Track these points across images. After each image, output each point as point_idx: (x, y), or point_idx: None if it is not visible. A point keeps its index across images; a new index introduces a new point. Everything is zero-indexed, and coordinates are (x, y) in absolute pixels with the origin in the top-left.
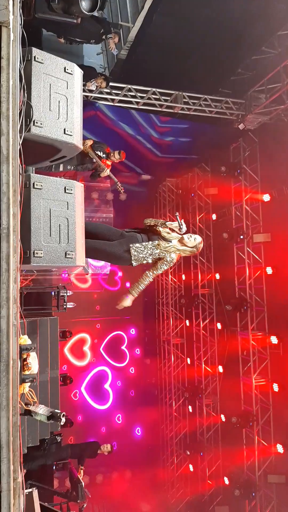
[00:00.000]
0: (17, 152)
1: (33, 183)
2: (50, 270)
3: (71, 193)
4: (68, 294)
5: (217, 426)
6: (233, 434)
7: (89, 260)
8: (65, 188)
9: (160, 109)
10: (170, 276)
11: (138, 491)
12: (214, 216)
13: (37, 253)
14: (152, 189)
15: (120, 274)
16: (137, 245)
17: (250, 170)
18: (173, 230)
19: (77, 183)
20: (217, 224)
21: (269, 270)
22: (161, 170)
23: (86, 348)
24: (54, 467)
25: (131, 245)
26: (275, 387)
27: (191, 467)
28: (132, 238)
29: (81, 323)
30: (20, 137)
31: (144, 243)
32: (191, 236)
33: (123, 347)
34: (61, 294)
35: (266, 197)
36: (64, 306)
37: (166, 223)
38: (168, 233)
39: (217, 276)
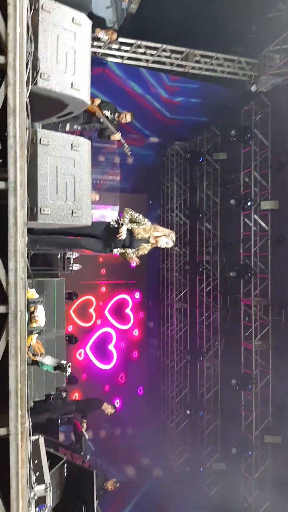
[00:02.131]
0: (24, 104)
1: (40, 139)
2: None
3: (78, 151)
4: (74, 256)
5: (217, 388)
6: (232, 396)
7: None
8: (72, 145)
9: (170, 68)
10: (175, 242)
11: (139, 446)
12: (222, 182)
13: (43, 210)
14: (160, 152)
15: None
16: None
17: (261, 134)
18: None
19: (84, 140)
20: (225, 191)
21: (275, 238)
22: (170, 132)
23: (91, 310)
24: (59, 421)
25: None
26: (275, 352)
27: (190, 426)
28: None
29: (86, 286)
30: (27, 90)
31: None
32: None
33: (127, 310)
34: (67, 256)
35: (276, 163)
36: (70, 268)
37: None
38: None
39: (222, 243)
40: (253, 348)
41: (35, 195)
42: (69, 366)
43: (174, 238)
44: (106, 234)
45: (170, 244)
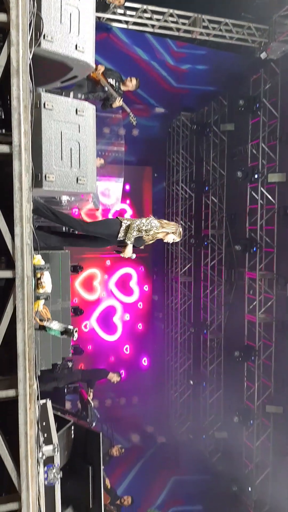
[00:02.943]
0: (27, 65)
1: (44, 103)
2: (60, 203)
3: (82, 116)
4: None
5: (220, 359)
6: (235, 367)
7: (99, 195)
8: (76, 110)
9: (177, 34)
10: (180, 215)
11: (143, 415)
12: (229, 154)
13: (48, 177)
14: (166, 123)
15: (130, 212)
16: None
17: (270, 104)
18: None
19: (89, 104)
20: (232, 163)
21: (281, 211)
22: (176, 102)
23: (96, 283)
24: (65, 390)
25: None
26: (279, 325)
27: (193, 396)
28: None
29: (91, 259)
30: (30, 52)
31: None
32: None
33: (132, 284)
34: (71, 229)
35: (285, 135)
36: None
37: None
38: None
39: (228, 216)
40: (257, 321)
41: (39, 161)
42: (76, 331)
43: (181, 233)
44: (113, 241)
45: (177, 240)
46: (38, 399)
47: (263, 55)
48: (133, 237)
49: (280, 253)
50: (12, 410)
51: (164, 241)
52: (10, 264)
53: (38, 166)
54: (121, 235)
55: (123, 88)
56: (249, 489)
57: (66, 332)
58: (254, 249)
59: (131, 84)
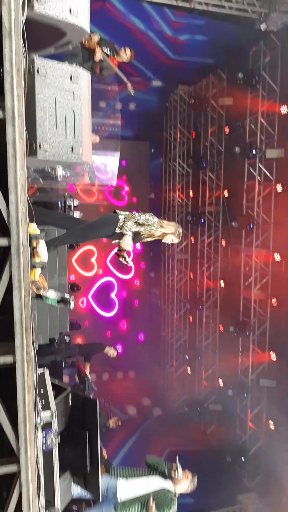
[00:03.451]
0: (20, 27)
1: (37, 69)
2: (56, 179)
3: (77, 83)
4: (75, 204)
5: (216, 335)
6: (230, 343)
7: (96, 171)
8: (71, 76)
9: (175, 3)
10: (177, 192)
11: (140, 388)
12: (227, 130)
13: (43, 146)
14: (163, 97)
15: (126, 188)
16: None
17: (270, 78)
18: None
19: (84, 71)
20: (229, 138)
21: (279, 188)
22: (173, 75)
23: (93, 260)
24: (63, 364)
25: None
26: (274, 302)
27: (188, 370)
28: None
29: None
30: (23, 14)
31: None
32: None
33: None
34: (67, 203)
35: (284, 109)
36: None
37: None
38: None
39: (226, 193)
40: (252, 298)
41: (33, 129)
42: (72, 299)
43: (181, 234)
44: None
45: (176, 241)
46: (36, 366)
47: (263, 26)
48: (129, 228)
49: (277, 230)
50: (10, 377)
51: (163, 241)
52: (5, 232)
53: (32, 135)
54: (119, 225)
55: (117, 58)
56: (242, 459)
57: (62, 300)
58: (251, 225)
59: (125, 55)
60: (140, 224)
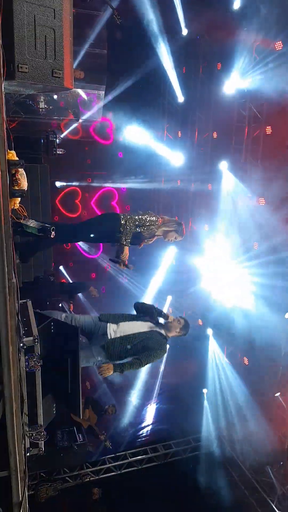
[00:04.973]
0: None
1: None
2: (38, 112)
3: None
4: (58, 141)
5: None
6: None
7: (80, 106)
8: None
9: None
10: (165, 132)
11: None
12: (219, 66)
13: (21, 67)
14: None
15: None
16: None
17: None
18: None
19: None
20: (220, 73)
21: (268, 130)
22: None
23: (77, 201)
24: (47, 303)
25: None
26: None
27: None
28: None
29: (72, 176)
30: None
31: None
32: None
33: (114, 203)
34: (50, 138)
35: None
36: (54, 152)
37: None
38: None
39: (214, 134)
40: None
41: (11, 48)
42: (53, 229)
43: (184, 231)
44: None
45: (179, 239)
46: (18, 294)
47: None
48: (130, 233)
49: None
50: None
51: (165, 240)
52: None
53: (10, 54)
54: (122, 226)
55: None
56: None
57: (43, 230)
58: None
59: None
60: (140, 225)
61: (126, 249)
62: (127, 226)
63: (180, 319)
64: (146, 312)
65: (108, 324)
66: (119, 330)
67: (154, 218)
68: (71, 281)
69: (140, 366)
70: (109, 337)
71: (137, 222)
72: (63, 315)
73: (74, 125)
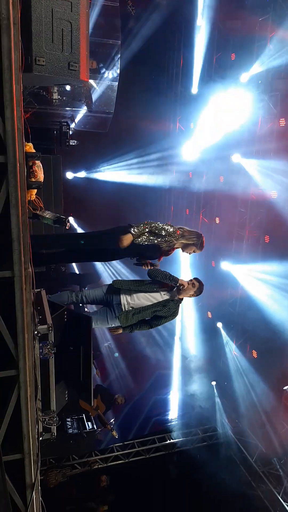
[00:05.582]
0: None
1: None
2: (51, 102)
3: None
4: (71, 132)
5: None
6: None
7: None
8: None
9: None
10: (177, 124)
11: None
12: (233, 56)
13: (39, 61)
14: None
15: None
16: None
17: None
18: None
19: None
20: (235, 63)
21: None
22: None
23: None
24: (58, 292)
25: None
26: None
27: None
28: None
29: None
30: None
31: None
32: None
33: None
34: (63, 129)
35: None
36: (67, 143)
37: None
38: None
39: None
40: (246, 235)
41: (29, 41)
42: (68, 220)
43: (203, 244)
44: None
45: (198, 252)
46: (33, 283)
47: None
48: (143, 232)
49: None
50: (9, 291)
51: (183, 252)
52: (1, 149)
53: (28, 48)
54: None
55: None
56: (225, 383)
57: (58, 220)
58: None
59: None
60: (157, 235)
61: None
62: (142, 236)
63: (195, 282)
64: (160, 279)
65: (122, 295)
66: (132, 302)
67: (172, 229)
68: (78, 272)
69: (149, 329)
70: (123, 309)
71: (152, 229)
72: (73, 294)
73: (87, 116)
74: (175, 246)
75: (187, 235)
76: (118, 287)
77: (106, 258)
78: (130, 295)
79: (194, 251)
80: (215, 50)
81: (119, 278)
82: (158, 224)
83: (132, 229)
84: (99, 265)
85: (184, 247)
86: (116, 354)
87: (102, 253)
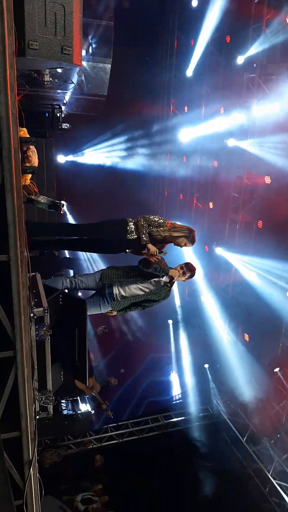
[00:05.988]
0: None
1: None
2: (42, 85)
3: None
4: (63, 115)
5: None
6: None
7: (83, 79)
8: None
9: None
10: (171, 107)
11: None
12: (228, 39)
13: (31, 45)
14: None
15: None
16: None
17: None
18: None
19: None
20: (230, 46)
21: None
22: None
23: None
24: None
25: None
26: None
27: None
28: None
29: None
30: None
31: None
32: None
33: None
34: (56, 113)
35: None
36: (59, 127)
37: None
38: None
39: (221, 110)
40: (240, 219)
41: (22, 25)
42: (62, 205)
43: (195, 238)
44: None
45: (189, 245)
46: (29, 267)
47: None
48: (146, 231)
49: None
50: (4, 274)
51: (175, 245)
52: None
53: (21, 32)
54: (131, 234)
55: None
56: (217, 366)
57: (53, 205)
58: None
59: None
60: (151, 226)
61: (150, 246)
62: (142, 228)
63: (185, 270)
64: (152, 271)
65: (114, 287)
66: (124, 293)
67: (161, 220)
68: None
69: (141, 310)
70: (115, 298)
71: (148, 222)
72: (67, 280)
73: (79, 98)
74: (167, 238)
75: (178, 227)
76: (110, 282)
77: (113, 251)
78: (122, 286)
79: (185, 244)
80: (210, 32)
81: (110, 265)
82: (150, 217)
83: (143, 237)
84: None
85: (176, 239)
86: (122, 370)
87: (109, 247)
